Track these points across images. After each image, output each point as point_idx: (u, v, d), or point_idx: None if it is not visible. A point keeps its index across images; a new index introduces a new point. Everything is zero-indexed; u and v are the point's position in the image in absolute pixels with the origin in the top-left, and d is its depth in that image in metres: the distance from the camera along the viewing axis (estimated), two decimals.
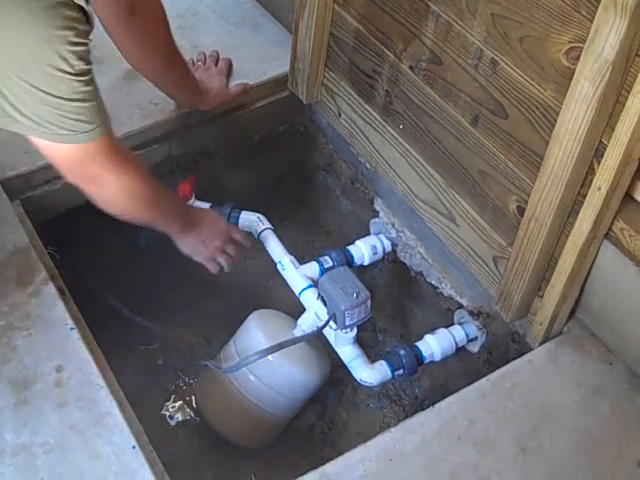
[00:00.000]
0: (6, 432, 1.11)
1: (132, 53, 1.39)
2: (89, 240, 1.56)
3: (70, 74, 0.96)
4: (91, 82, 1.01)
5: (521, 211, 1.18)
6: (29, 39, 0.93)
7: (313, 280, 1.45)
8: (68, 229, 1.49)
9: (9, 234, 1.33)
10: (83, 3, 0.96)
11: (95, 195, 1.19)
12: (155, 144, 1.53)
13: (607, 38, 0.93)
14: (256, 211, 1.54)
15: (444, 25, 1.21)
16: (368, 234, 1.58)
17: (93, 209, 1.50)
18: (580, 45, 0.99)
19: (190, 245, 1.40)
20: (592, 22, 0.95)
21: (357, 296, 1.32)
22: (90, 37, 0.99)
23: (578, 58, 0.99)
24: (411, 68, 1.31)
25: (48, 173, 1.43)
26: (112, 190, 1.17)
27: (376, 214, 1.56)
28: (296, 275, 1.46)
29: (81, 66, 0.97)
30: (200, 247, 1.40)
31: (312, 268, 1.48)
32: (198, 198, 1.56)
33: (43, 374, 1.17)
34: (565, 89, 1.02)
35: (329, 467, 1.10)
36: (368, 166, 1.53)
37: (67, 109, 1.00)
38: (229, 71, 1.61)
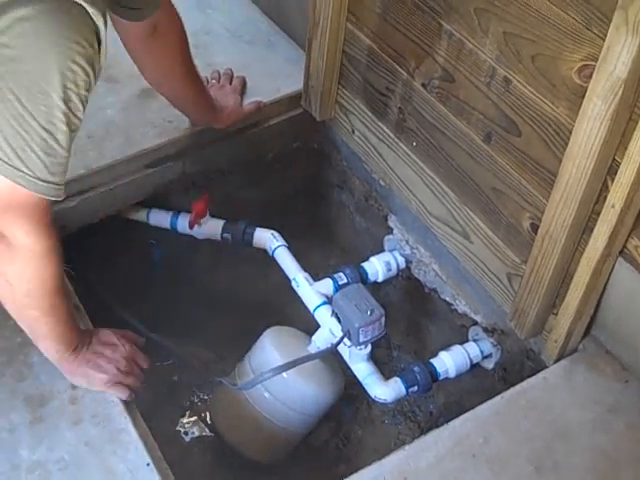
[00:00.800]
0: (22, 449, 1.12)
1: (151, 71, 1.39)
2: (104, 257, 1.57)
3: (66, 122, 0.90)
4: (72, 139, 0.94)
5: (535, 228, 1.18)
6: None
7: (327, 297, 1.45)
8: (83, 246, 1.50)
9: None
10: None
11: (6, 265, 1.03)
12: (169, 162, 1.54)
13: (619, 56, 0.93)
14: (270, 228, 1.55)
15: (456, 43, 1.21)
16: (382, 251, 1.58)
17: (108, 226, 1.53)
18: (592, 63, 0.99)
19: (81, 370, 1.18)
20: (604, 40, 0.95)
21: (371, 313, 1.32)
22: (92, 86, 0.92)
23: (590, 76, 0.99)
24: (424, 86, 1.32)
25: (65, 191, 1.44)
26: (23, 258, 1.02)
27: (390, 231, 1.56)
28: (310, 292, 1.46)
29: (79, 116, 0.92)
30: (92, 372, 1.18)
31: (326, 285, 1.48)
32: (212, 215, 1.57)
33: (59, 391, 1.19)
34: (578, 107, 1.02)
35: None
36: (382, 183, 1.54)
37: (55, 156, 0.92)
38: (243, 89, 1.62)
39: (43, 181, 0.93)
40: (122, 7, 1.14)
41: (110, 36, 0.95)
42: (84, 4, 0.87)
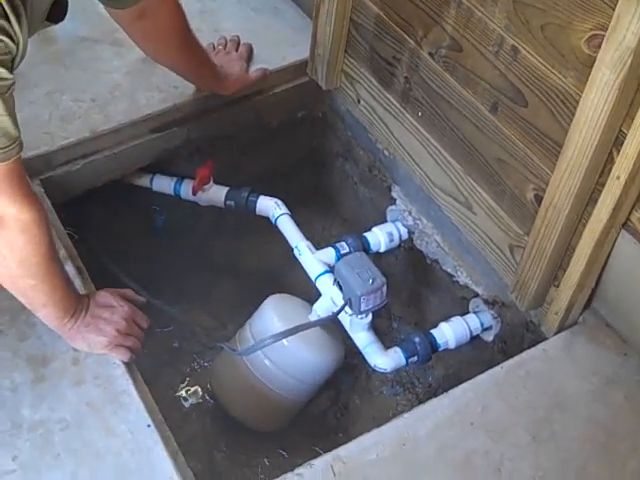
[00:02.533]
0: (24, 408, 1.13)
1: (147, 49, 1.40)
2: (107, 222, 1.57)
3: None
4: (9, 98, 0.93)
5: (539, 199, 1.18)
6: None
7: (329, 266, 1.46)
8: (87, 210, 1.51)
9: None
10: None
11: None
12: (174, 127, 1.53)
13: (629, 26, 0.93)
14: (274, 196, 1.55)
15: (465, 11, 1.20)
16: (385, 221, 1.58)
17: (112, 191, 1.53)
18: (602, 33, 0.98)
19: (81, 334, 1.18)
20: (614, 10, 0.95)
21: (373, 282, 1.33)
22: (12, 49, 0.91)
23: (599, 46, 0.98)
24: (431, 55, 1.31)
25: (68, 153, 1.44)
26: (12, 228, 1.02)
27: (393, 201, 1.56)
28: (312, 260, 1.46)
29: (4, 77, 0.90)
30: (92, 336, 1.18)
31: (328, 254, 1.48)
32: (216, 182, 1.57)
33: (61, 352, 1.19)
34: (586, 77, 1.02)
35: (342, 451, 1.11)
36: (386, 153, 1.53)
37: None
38: (250, 56, 1.61)
39: None
40: None
41: None
42: None
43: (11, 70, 0.92)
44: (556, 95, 1.10)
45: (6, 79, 0.91)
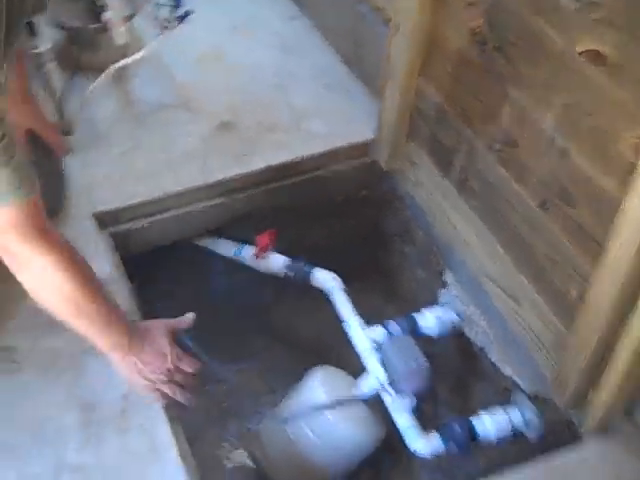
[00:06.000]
0: (68, 450, 1.18)
1: None
2: (169, 279, 1.65)
3: None
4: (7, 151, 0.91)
5: (582, 299, 1.17)
6: None
7: (377, 343, 1.48)
8: (151, 267, 1.58)
9: (95, 264, 1.39)
10: None
11: (18, 277, 1.04)
12: (240, 194, 1.61)
13: None
14: (331, 269, 1.59)
15: (520, 110, 1.24)
16: (436, 304, 1.59)
17: (177, 249, 1.60)
18: None
19: (124, 371, 1.19)
20: None
21: (417, 365, 1.35)
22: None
23: None
24: (487, 147, 1.34)
25: (138, 211, 1.53)
26: (34, 272, 1.03)
27: (445, 285, 1.58)
28: (361, 336, 1.50)
29: None
30: (135, 376, 1.18)
31: (377, 331, 1.51)
32: (277, 251, 1.63)
33: (111, 400, 1.24)
34: (629, 182, 1.03)
35: None
36: (442, 237, 1.56)
37: None
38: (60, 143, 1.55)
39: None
40: None
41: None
42: None
43: None
44: (601, 197, 1.11)
45: None
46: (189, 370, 1.24)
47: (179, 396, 1.22)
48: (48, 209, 1.04)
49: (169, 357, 1.20)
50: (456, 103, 1.40)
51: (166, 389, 1.21)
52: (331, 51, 1.91)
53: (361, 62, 1.81)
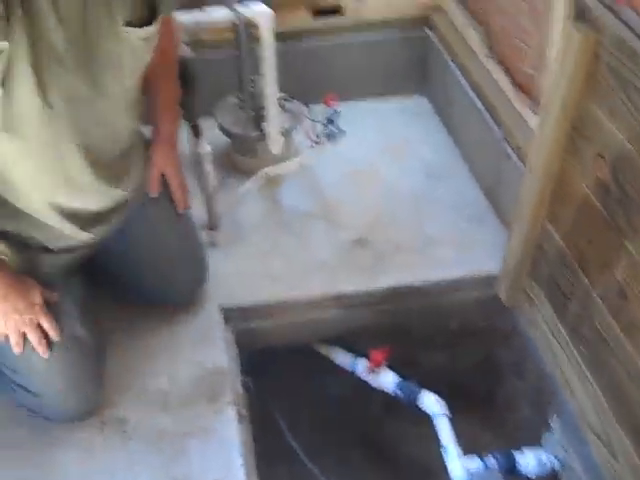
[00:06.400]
0: None
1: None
2: (285, 380, 1.72)
3: None
4: None
5: None
6: None
7: (471, 474, 1.48)
8: (268, 364, 1.67)
9: (214, 354, 1.52)
10: None
11: None
12: (363, 308, 1.67)
13: None
14: (439, 393, 1.62)
15: (634, 264, 1.23)
16: (539, 445, 1.56)
17: (294, 351, 1.69)
18: None
19: None
20: None
21: None
22: None
23: None
24: (600, 297, 1.33)
25: (264, 311, 1.63)
26: None
27: (550, 428, 1.54)
28: (457, 464, 1.51)
29: None
30: (3, 314, 1.31)
31: (474, 462, 1.51)
32: (389, 367, 1.67)
33: None
34: None
35: None
36: (551, 378, 1.54)
37: None
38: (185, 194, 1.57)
39: None
40: None
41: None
42: None
43: None
44: None
45: None
46: (52, 325, 1.33)
47: (40, 346, 1.31)
48: None
49: (37, 307, 1.32)
50: (576, 248, 1.41)
51: (31, 333, 1.31)
52: (473, 183, 1.96)
53: (499, 197, 1.85)
